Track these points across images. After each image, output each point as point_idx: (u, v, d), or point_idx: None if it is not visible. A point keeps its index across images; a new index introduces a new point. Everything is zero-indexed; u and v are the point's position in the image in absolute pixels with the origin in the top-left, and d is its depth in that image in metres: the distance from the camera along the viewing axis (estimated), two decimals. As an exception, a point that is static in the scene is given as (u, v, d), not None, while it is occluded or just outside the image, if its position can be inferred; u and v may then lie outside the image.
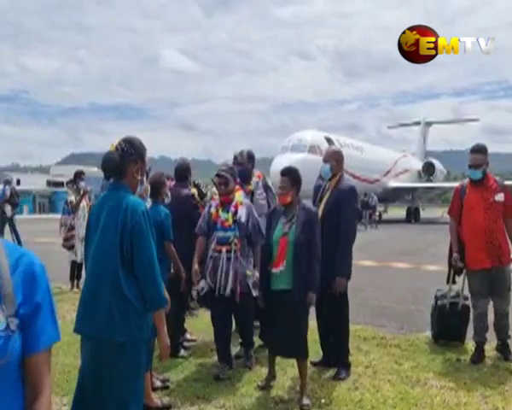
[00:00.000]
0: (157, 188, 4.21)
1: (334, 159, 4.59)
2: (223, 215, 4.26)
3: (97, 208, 2.78)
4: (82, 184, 8.13)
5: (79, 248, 7.41)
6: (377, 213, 28.63)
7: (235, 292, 4.16)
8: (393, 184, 31.08)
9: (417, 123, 45.30)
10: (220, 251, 4.21)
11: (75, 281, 7.82)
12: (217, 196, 4.46)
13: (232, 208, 4.27)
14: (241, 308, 4.32)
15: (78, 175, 8.08)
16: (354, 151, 27.29)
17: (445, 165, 45.16)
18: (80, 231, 7.45)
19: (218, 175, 4.35)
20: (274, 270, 3.82)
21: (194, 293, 5.17)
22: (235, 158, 5.44)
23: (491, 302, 4.87)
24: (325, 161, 4.60)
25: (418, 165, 38.96)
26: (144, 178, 2.87)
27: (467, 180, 5.00)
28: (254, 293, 4.17)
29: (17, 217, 8.33)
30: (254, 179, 5.22)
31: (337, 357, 4.48)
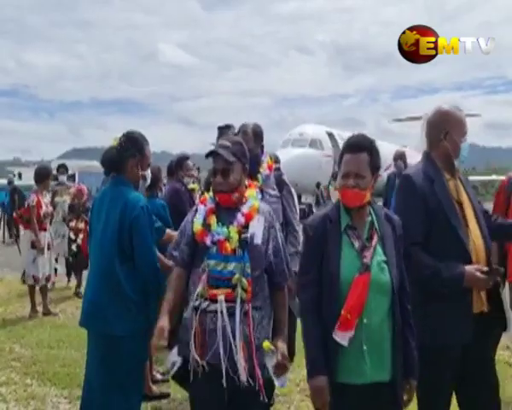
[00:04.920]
0: (153, 181, 4.22)
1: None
2: (219, 231, 2.25)
3: (98, 203, 2.80)
4: (62, 177, 7.99)
5: (56, 242, 7.14)
6: None
7: (257, 380, 2.16)
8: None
9: (418, 117, 45.22)
10: (215, 299, 2.18)
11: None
12: (209, 195, 2.40)
13: (239, 218, 2.27)
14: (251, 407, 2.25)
15: (59, 169, 7.94)
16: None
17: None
18: (54, 226, 7.23)
19: (212, 155, 2.34)
20: (340, 337, 1.97)
21: (157, 375, 4.10)
22: (221, 130, 3.62)
23: None
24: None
25: (419, 159, 38.81)
26: (148, 173, 2.86)
27: None
28: (278, 383, 2.25)
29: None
30: (264, 172, 3.31)
31: None
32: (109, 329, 2.57)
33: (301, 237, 3.21)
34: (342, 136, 26.99)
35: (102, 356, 2.61)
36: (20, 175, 42.83)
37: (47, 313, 6.36)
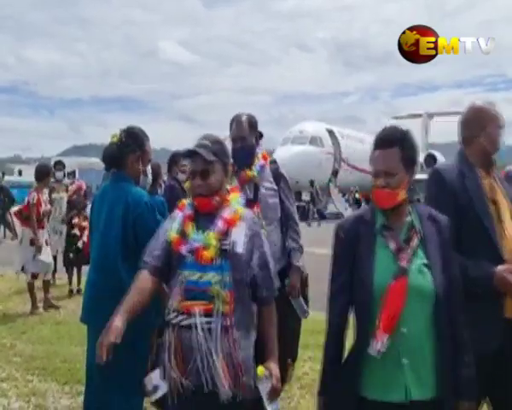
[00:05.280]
0: (154, 178, 4.23)
1: None
2: (196, 238, 2.03)
3: (99, 200, 2.80)
4: (58, 174, 7.96)
5: (53, 239, 7.19)
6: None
7: (240, 387, 1.96)
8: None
9: (418, 115, 45.22)
10: (189, 312, 1.96)
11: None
12: (187, 201, 2.18)
13: (219, 224, 2.04)
14: None
15: (56, 166, 7.94)
16: (356, 143, 27.29)
17: (447, 157, 45.08)
18: (52, 223, 7.25)
19: (188, 155, 2.12)
20: (373, 348, 1.77)
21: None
22: (233, 129, 3.19)
23: None
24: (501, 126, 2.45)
25: (420, 157, 38.93)
26: (148, 169, 2.87)
27: None
28: (271, 408, 2.05)
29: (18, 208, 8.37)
30: (258, 163, 3.12)
31: None
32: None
33: (300, 231, 3.25)
34: (342, 133, 27.05)
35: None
36: (20, 172, 42.88)
37: (50, 305, 6.44)
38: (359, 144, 27.51)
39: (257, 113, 3.25)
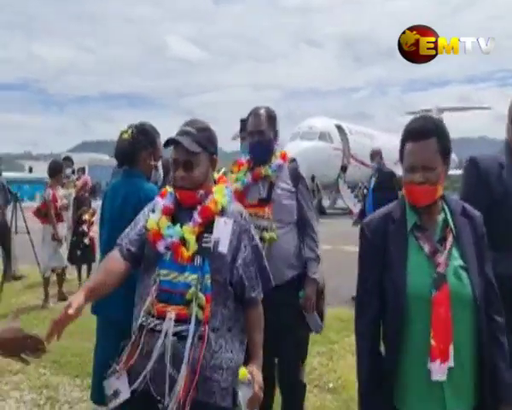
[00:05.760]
0: (165, 173, 4.30)
1: None
2: (172, 232, 1.85)
3: (110, 195, 2.83)
4: (67, 170, 8.04)
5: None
6: None
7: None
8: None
9: (429, 110, 44.96)
10: (163, 316, 1.77)
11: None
12: (169, 190, 2.00)
13: (195, 217, 1.86)
14: None
15: (64, 162, 8.06)
16: (364, 139, 27.18)
17: (457, 152, 44.83)
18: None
19: (171, 144, 1.91)
20: (435, 371, 1.59)
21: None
22: (244, 123, 3.49)
23: None
24: None
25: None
26: (159, 164, 2.90)
27: None
28: None
29: (29, 204, 8.49)
30: (276, 161, 2.91)
31: None
32: (120, 315, 2.61)
33: (319, 239, 2.93)
34: (351, 129, 26.94)
35: (111, 344, 2.65)
36: (30, 169, 43.27)
37: (63, 299, 6.57)
38: (368, 140, 27.40)
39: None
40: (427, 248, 1.66)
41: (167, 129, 1.76)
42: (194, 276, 1.77)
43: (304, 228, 2.90)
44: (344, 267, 8.97)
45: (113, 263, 1.88)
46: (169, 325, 1.74)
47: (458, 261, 1.66)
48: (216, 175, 2.00)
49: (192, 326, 1.73)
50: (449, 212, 1.73)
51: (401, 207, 1.76)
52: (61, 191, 6.82)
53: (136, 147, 2.72)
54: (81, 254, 7.36)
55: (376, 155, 7.82)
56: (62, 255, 6.74)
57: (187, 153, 1.84)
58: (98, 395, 2.73)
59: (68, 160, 8.38)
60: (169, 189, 1.99)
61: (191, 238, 1.82)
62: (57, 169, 6.80)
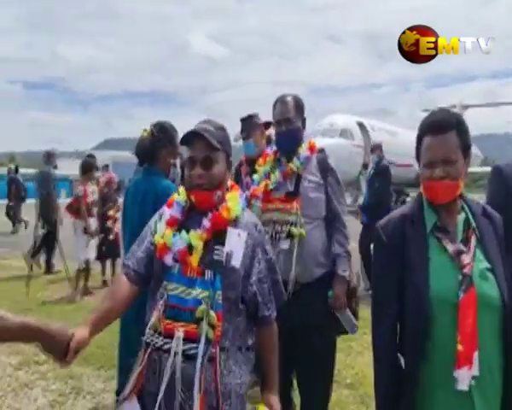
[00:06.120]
0: (183, 170, 4.40)
1: None
2: (178, 240, 1.73)
3: (132, 192, 2.91)
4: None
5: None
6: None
7: None
8: (427, 169, 30.42)
9: (453, 106, 44.25)
10: (170, 334, 1.65)
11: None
12: (177, 197, 1.87)
13: (206, 224, 1.73)
14: None
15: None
16: (386, 135, 26.93)
17: (481, 149, 44.02)
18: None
19: (187, 139, 1.78)
20: (459, 379, 1.50)
21: None
22: (244, 122, 3.36)
23: None
24: None
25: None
26: (178, 162, 2.96)
27: None
28: None
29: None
30: (303, 152, 2.75)
31: None
32: (142, 311, 2.68)
33: (349, 234, 2.76)
34: (373, 126, 26.70)
35: (134, 341, 2.73)
36: (55, 166, 44.13)
37: (88, 292, 6.89)
38: (390, 137, 27.13)
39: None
40: (451, 248, 1.57)
41: (190, 127, 1.78)
42: (206, 293, 1.64)
43: (332, 222, 2.71)
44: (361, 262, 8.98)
45: (120, 289, 1.76)
46: (177, 345, 1.61)
47: (483, 263, 1.57)
48: (228, 182, 1.85)
49: (202, 346, 1.60)
50: (469, 212, 1.65)
51: (419, 207, 1.66)
52: (91, 188, 7.15)
53: (156, 145, 2.79)
54: (106, 249, 7.56)
55: (377, 148, 7.88)
56: (93, 249, 7.08)
57: (206, 149, 1.72)
58: (122, 388, 2.83)
59: (91, 157, 8.57)
60: (176, 197, 1.85)
61: (198, 244, 1.69)
62: (87, 167, 7.20)
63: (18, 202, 14.66)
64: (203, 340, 1.60)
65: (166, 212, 1.84)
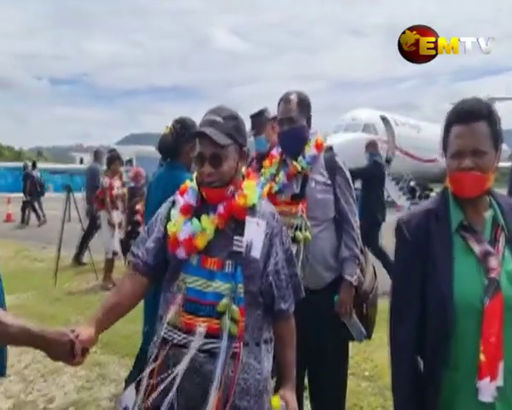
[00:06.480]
0: None
1: None
2: (188, 227, 1.66)
3: (154, 186, 3.00)
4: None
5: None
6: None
7: None
8: (452, 163, 29.95)
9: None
10: (190, 330, 1.59)
11: None
12: (192, 185, 1.78)
13: (220, 209, 1.67)
14: None
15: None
16: (410, 130, 26.58)
17: (509, 143, 43.00)
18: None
19: (197, 136, 1.70)
20: (482, 390, 1.42)
21: None
22: (254, 119, 3.25)
23: None
24: None
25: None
26: None
27: None
28: None
29: (80, 194, 9.03)
30: (310, 151, 2.63)
31: None
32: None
33: (359, 236, 2.61)
34: (397, 120, 26.39)
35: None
36: (81, 160, 44.97)
37: (114, 284, 7.03)
38: (414, 131, 26.78)
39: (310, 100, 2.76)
40: (477, 250, 1.46)
41: None
42: (227, 285, 1.57)
43: (341, 224, 2.58)
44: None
45: (127, 282, 1.70)
46: (199, 341, 1.53)
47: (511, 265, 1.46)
48: (244, 170, 1.77)
49: (224, 343, 1.53)
50: (498, 208, 1.53)
51: (444, 203, 1.55)
52: (117, 182, 7.41)
53: (179, 141, 2.87)
54: (130, 242, 7.71)
55: (371, 145, 7.85)
56: (117, 241, 7.31)
57: (214, 145, 1.62)
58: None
59: (114, 151, 8.77)
60: (190, 183, 1.77)
61: (209, 228, 1.62)
62: (111, 160, 7.50)
63: (33, 197, 15.19)
64: (225, 336, 1.54)
65: (180, 199, 1.74)
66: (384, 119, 24.60)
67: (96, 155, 9.11)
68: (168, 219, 1.72)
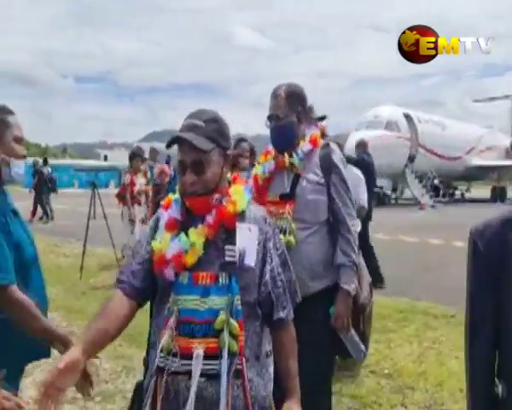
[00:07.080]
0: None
1: None
2: (175, 244, 1.53)
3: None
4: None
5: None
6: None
7: None
8: (477, 161, 29.52)
9: (507, 96, 42.43)
10: (188, 354, 1.45)
11: None
12: (175, 197, 1.65)
13: (209, 219, 1.55)
14: None
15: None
16: (434, 127, 26.25)
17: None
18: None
19: (171, 144, 1.58)
20: None
21: None
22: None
23: None
24: None
25: (506, 141, 36.67)
26: None
27: None
28: None
29: (104, 190, 9.30)
30: (304, 146, 2.43)
31: None
32: None
33: (357, 241, 2.40)
34: (420, 117, 26.09)
35: None
36: (105, 157, 45.72)
37: None
38: (438, 129, 26.44)
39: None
40: None
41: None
42: (223, 299, 1.46)
43: (336, 228, 2.37)
44: (402, 256, 8.93)
45: (115, 306, 1.52)
46: (198, 365, 1.42)
47: None
48: (229, 175, 1.66)
49: (225, 362, 1.42)
50: None
51: None
52: (141, 179, 7.52)
53: None
54: None
55: (361, 145, 7.79)
56: (137, 236, 7.40)
57: (195, 151, 1.50)
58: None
59: (139, 149, 8.93)
60: (173, 196, 1.64)
61: (198, 242, 1.50)
62: (132, 157, 7.61)
63: (41, 193, 15.59)
64: (225, 354, 1.43)
65: (164, 214, 1.61)
66: (407, 116, 24.34)
67: (151, 154, 9.57)
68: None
